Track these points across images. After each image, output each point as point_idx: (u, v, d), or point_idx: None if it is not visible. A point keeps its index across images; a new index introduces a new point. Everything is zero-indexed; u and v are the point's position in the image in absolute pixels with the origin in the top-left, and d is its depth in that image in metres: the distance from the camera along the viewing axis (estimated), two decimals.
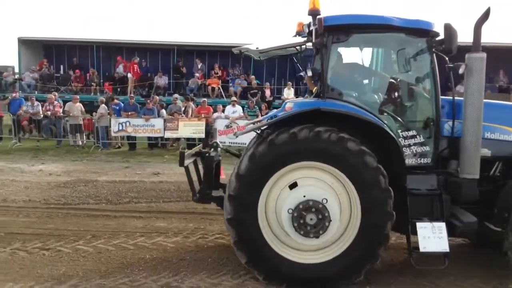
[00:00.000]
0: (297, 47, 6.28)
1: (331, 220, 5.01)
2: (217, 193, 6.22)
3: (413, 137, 5.53)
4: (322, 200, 5.03)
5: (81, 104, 17.13)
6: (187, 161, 6.18)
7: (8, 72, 23.89)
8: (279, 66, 23.20)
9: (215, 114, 16.67)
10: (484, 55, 5.26)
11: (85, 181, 10.73)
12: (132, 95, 18.84)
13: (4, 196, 9.24)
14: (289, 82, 20.15)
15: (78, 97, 17.64)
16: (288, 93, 18.96)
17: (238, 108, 16.80)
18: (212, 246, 6.64)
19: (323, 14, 5.40)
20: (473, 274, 5.77)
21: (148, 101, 17.11)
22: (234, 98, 18.61)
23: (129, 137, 16.29)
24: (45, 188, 10.10)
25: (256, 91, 20.26)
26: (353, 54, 5.89)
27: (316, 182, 5.22)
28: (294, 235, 5.09)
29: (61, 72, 24.67)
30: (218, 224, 7.47)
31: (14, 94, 18.08)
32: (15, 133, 16.32)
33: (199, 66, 23.07)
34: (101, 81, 23.47)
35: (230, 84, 22.14)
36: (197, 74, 22.69)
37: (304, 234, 5.04)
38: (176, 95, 18.58)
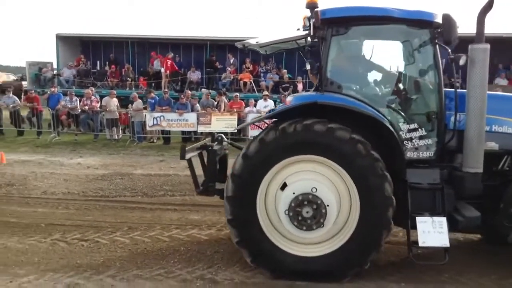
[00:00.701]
0: (301, 41, 6.15)
1: (327, 205, 5.05)
2: (221, 186, 6.16)
3: (414, 130, 5.44)
4: (312, 190, 5.06)
5: (116, 99, 17.50)
6: (190, 154, 6.27)
7: (47, 68, 24.63)
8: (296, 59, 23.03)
9: (247, 109, 16.78)
10: (487, 46, 5.11)
11: (121, 174, 10.99)
12: (166, 90, 19.11)
13: (44, 189, 9.58)
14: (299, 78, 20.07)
15: (115, 92, 18.02)
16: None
17: (270, 102, 16.81)
18: None
19: (324, 6, 5.33)
20: (472, 269, 5.65)
21: (182, 96, 17.33)
22: (266, 92, 18.63)
23: (163, 131, 16.54)
24: (83, 181, 10.41)
25: (288, 85, 20.22)
26: (354, 47, 5.85)
27: (306, 175, 5.21)
28: (299, 233, 5.15)
29: (98, 67, 25.28)
30: None
31: (52, 89, 18.63)
32: (54, 127, 16.84)
33: (231, 61, 23.18)
34: (136, 76, 23.90)
35: (262, 79, 22.16)
36: (229, 69, 22.81)
37: (307, 228, 5.09)
38: (204, 89, 18.75)
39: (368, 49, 5.90)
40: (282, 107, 5.52)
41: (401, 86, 5.83)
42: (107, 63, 24.80)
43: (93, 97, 17.41)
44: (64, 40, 24.36)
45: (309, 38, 5.88)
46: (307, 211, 5.05)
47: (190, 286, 5.13)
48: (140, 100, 17.14)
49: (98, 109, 17.04)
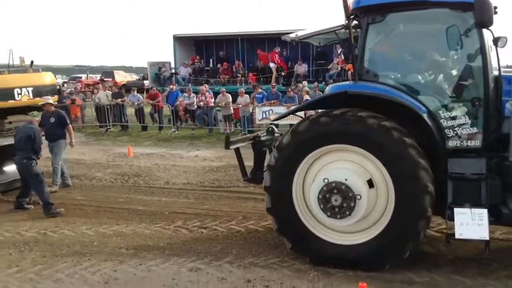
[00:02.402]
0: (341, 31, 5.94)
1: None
2: None
3: (457, 118, 5.17)
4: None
5: (229, 95, 18.18)
6: (236, 145, 6.58)
7: (165, 67, 26.38)
8: None
9: None
10: None
11: (235, 166, 11.30)
12: (274, 84, 19.41)
13: (166, 179, 10.34)
14: None
15: (224, 90, 18.74)
16: None
17: None
18: None
19: None
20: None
21: (289, 89, 17.48)
22: None
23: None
24: (201, 172, 11.04)
25: None
26: (392, 34, 5.61)
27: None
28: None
29: (211, 65, 26.47)
30: None
31: (171, 87, 19.91)
32: (173, 122, 18.02)
33: (339, 52, 22.79)
34: (246, 72, 24.60)
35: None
36: (336, 60, 22.46)
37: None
38: (304, 83, 18.63)
39: (407, 35, 5.70)
40: (312, 98, 5.59)
41: (443, 72, 5.53)
42: (219, 60, 25.84)
43: (207, 93, 18.29)
44: (180, 40, 25.85)
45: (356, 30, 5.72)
46: (336, 199, 5.07)
47: (304, 276, 5.22)
48: (246, 95, 17.62)
49: (212, 104, 17.87)
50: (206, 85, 20.03)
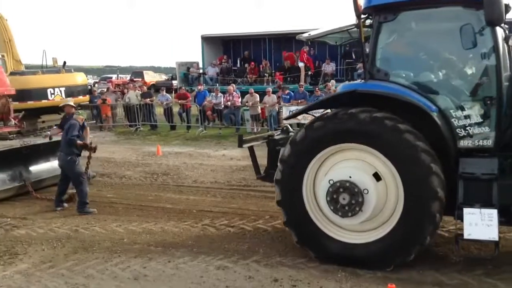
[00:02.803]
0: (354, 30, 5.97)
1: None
2: None
3: (468, 117, 5.11)
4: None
5: (257, 95, 18.21)
6: (249, 144, 6.74)
7: (194, 68, 26.64)
8: None
9: None
10: None
11: (261, 165, 11.42)
12: (302, 83, 19.33)
13: (194, 178, 10.44)
14: None
15: (253, 90, 18.77)
16: None
17: None
18: None
19: None
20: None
21: (317, 88, 17.38)
22: None
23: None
24: (228, 171, 11.09)
25: None
26: (405, 33, 5.61)
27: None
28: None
29: (238, 65, 26.58)
30: None
31: (199, 87, 20.09)
32: (201, 121, 18.18)
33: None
34: (273, 71, 24.60)
35: None
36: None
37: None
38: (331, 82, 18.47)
39: (419, 34, 5.67)
40: (325, 97, 5.67)
41: (455, 71, 5.49)
42: (246, 60, 25.92)
43: (234, 93, 18.38)
44: (208, 41, 26.06)
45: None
46: (344, 198, 5.10)
47: (332, 276, 5.18)
48: (273, 95, 17.59)
49: (239, 104, 17.94)
50: (234, 85, 20.12)
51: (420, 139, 4.92)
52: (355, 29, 5.84)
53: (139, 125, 18.77)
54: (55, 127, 10.01)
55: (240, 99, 18.14)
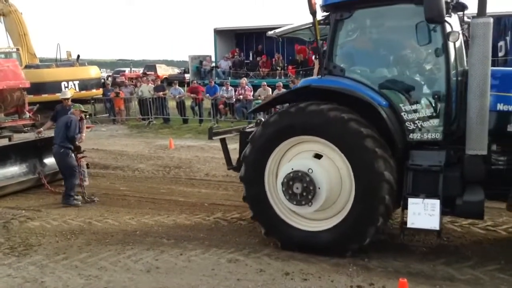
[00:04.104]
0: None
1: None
2: None
3: (418, 111, 5.28)
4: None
5: (270, 88, 18.17)
6: (219, 136, 7.04)
7: (206, 61, 26.66)
8: None
9: None
10: (490, 20, 4.70)
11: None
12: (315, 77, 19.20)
13: (206, 171, 10.47)
14: None
15: (265, 83, 18.75)
16: None
17: None
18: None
19: None
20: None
21: None
22: None
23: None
24: None
25: None
26: (359, 30, 5.77)
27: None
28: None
29: (250, 58, 26.54)
30: None
31: (211, 83, 20.11)
32: (213, 115, 18.22)
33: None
34: (285, 65, 24.50)
35: None
36: None
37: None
38: None
39: (373, 31, 5.86)
40: (284, 92, 5.89)
41: (406, 67, 5.65)
42: (258, 53, 25.86)
43: (246, 87, 18.36)
44: (220, 34, 26.03)
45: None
46: (297, 187, 5.30)
47: (343, 270, 5.18)
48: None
49: (251, 97, 17.92)
50: (246, 78, 20.10)
51: (364, 126, 5.12)
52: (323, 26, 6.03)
53: (151, 118, 18.87)
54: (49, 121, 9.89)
55: (252, 93, 18.11)
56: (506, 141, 5.20)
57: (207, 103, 19.08)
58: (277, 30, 7.02)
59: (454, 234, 6.23)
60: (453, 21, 5.26)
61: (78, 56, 20.66)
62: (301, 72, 22.67)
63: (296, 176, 5.33)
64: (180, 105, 19.07)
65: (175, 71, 42.05)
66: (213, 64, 26.39)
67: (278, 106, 7.06)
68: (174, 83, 20.84)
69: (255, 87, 18.73)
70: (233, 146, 7.27)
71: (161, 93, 19.24)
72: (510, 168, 5.06)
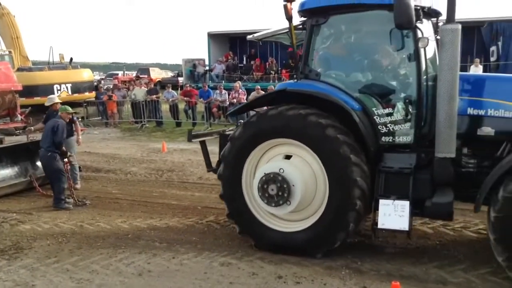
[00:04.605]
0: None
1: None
2: None
3: (389, 115, 5.39)
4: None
5: (263, 92, 18.18)
6: (198, 139, 7.13)
7: (200, 64, 26.67)
8: (464, 40, 21.18)
9: None
10: (458, 26, 4.80)
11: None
12: None
13: (199, 175, 10.44)
14: (477, 59, 18.29)
15: (259, 87, 18.77)
16: (476, 71, 17.24)
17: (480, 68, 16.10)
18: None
19: None
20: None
21: None
22: (477, 59, 17.88)
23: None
24: None
25: None
26: (334, 35, 5.88)
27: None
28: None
29: (244, 62, 26.59)
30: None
31: (204, 88, 20.11)
32: (206, 118, 18.20)
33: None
34: (279, 69, 24.57)
35: None
36: None
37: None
38: None
39: (348, 36, 5.96)
40: (262, 95, 6.05)
41: (379, 72, 5.76)
42: (252, 57, 25.91)
43: (240, 90, 18.38)
44: (214, 37, 26.09)
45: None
46: (272, 189, 5.38)
47: (336, 273, 5.17)
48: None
49: (245, 101, 17.91)
50: (239, 82, 20.12)
51: (341, 133, 5.22)
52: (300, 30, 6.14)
53: (144, 121, 18.82)
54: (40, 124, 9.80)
55: (246, 96, 18.12)
56: (476, 144, 5.29)
57: (200, 107, 19.06)
58: (256, 34, 7.13)
59: (447, 237, 6.25)
60: (425, 27, 5.40)
61: (71, 59, 20.60)
62: (295, 76, 22.72)
63: (269, 178, 5.42)
64: (173, 109, 19.04)
65: (169, 74, 41.98)
66: (207, 68, 26.39)
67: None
68: (167, 86, 20.81)
69: (249, 91, 18.75)
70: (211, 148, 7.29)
71: (154, 96, 19.20)
72: (480, 171, 5.14)
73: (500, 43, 19.83)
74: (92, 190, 9.20)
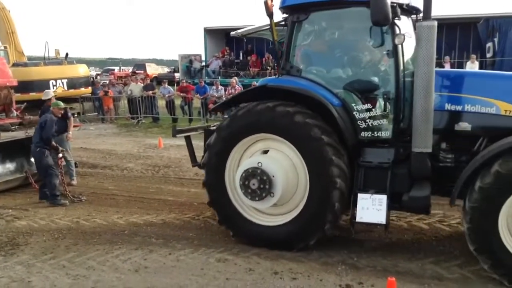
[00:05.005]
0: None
1: (273, 176, 5.39)
2: None
3: (368, 110, 5.45)
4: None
5: None
6: (183, 134, 7.20)
7: (196, 60, 26.59)
8: (460, 37, 21.24)
9: None
10: (434, 23, 4.87)
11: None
12: None
13: (196, 171, 10.29)
14: (473, 55, 18.31)
15: (255, 83, 18.72)
16: (472, 67, 17.26)
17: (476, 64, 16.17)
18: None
19: None
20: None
21: None
22: (473, 55, 18.01)
23: None
24: None
25: None
26: (316, 32, 5.93)
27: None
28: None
29: (240, 58, 26.52)
30: None
31: (201, 83, 20.07)
32: (203, 114, 18.17)
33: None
34: (275, 64, 24.51)
35: None
36: None
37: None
38: None
39: (328, 33, 6.01)
40: (246, 90, 6.25)
41: (358, 68, 5.84)
42: (245, 53, 25.84)
43: (236, 86, 18.34)
44: (211, 33, 25.97)
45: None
46: (254, 183, 5.46)
47: (332, 269, 5.19)
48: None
49: None
50: (236, 78, 20.08)
51: (325, 133, 5.29)
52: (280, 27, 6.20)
53: (141, 117, 18.77)
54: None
55: None
56: (454, 139, 5.36)
57: (196, 102, 19.02)
58: (239, 30, 7.23)
59: (442, 233, 6.28)
60: (405, 24, 5.47)
61: (67, 54, 20.49)
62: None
63: (248, 173, 5.50)
64: (170, 104, 18.99)
65: (165, 70, 41.90)
66: (203, 64, 26.31)
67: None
68: (163, 82, 20.75)
69: (245, 87, 18.68)
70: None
71: (151, 92, 19.14)
72: (457, 166, 5.20)
73: (496, 39, 19.87)
74: (89, 186, 9.18)
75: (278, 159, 5.60)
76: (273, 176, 5.42)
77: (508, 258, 4.63)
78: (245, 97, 6.17)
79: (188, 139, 7.18)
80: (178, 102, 19.27)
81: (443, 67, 18.68)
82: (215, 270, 5.24)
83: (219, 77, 23.29)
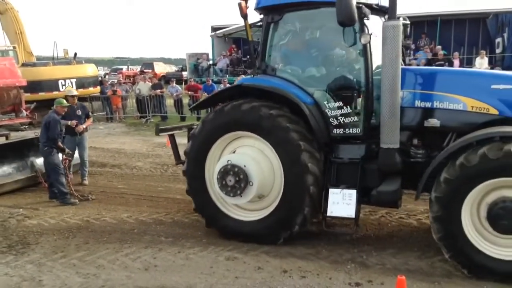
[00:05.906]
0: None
1: (244, 166, 5.60)
2: None
3: (339, 108, 5.58)
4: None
5: None
6: (166, 133, 7.34)
7: (203, 58, 26.61)
8: (469, 33, 21.05)
9: None
10: (399, 22, 5.00)
11: None
12: None
13: None
14: (482, 51, 18.15)
15: None
16: (481, 62, 17.13)
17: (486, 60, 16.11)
18: None
19: None
20: None
21: None
22: (483, 51, 18.06)
23: None
24: None
25: (442, 62, 18.76)
26: (289, 32, 6.04)
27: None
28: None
29: (248, 56, 26.49)
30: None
31: (208, 82, 20.10)
32: None
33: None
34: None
35: (411, 57, 20.91)
36: None
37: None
38: None
39: (301, 33, 6.11)
40: (220, 89, 6.29)
41: (330, 67, 5.95)
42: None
43: None
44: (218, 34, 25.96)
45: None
46: (230, 180, 5.63)
47: (341, 267, 5.19)
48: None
49: None
50: (243, 76, 20.06)
51: (291, 122, 5.46)
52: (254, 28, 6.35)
53: (149, 116, 18.84)
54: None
55: None
56: (424, 135, 5.49)
57: None
58: (218, 31, 7.37)
59: None
60: (375, 24, 5.53)
61: (75, 54, 20.60)
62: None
63: (222, 173, 5.69)
64: (178, 103, 19.04)
65: (173, 69, 41.96)
66: (211, 62, 26.33)
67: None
68: (171, 81, 20.80)
69: None
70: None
71: (159, 91, 19.19)
72: (427, 161, 5.26)
73: (505, 35, 19.67)
74: (98, 185, 9.24)
75: (246, 153, 5.79)
76: (245, 166, 5.59)
77: (468, 248, 4.77)
78: (222, 96, 6.34)
79: (172, 138, 7.30)
80: (186, 100, 19.30)
81: (453, 63, 18.58)
82: (224, 269, 5.25)
83: (227, 76, 23.28)
